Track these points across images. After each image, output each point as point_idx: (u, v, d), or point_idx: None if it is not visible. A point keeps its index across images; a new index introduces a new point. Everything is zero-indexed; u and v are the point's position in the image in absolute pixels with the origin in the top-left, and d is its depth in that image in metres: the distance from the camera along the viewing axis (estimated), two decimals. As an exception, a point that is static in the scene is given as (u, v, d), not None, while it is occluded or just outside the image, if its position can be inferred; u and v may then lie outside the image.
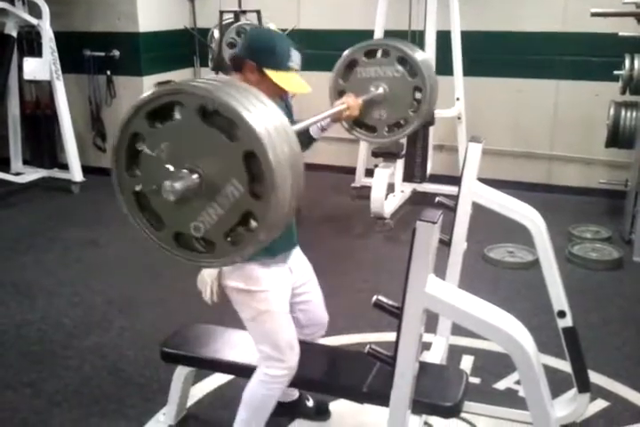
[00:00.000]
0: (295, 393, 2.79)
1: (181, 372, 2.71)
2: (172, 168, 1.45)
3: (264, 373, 2.33)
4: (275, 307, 2.28)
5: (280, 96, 2.31)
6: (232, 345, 2.70)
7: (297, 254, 2.45)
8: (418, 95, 2.62)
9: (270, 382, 2.33)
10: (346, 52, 2.60)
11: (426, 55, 2.67)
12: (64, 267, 4.47)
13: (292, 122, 2.39)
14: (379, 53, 2.62)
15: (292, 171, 1.43)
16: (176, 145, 1.46)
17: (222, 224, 1.45)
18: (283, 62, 2.18)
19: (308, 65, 6.50)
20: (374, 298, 1.84)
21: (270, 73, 2.16)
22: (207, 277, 2.33)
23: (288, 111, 2.42)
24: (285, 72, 2.19)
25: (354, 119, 2.60)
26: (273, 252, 2.25)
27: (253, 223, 1.44)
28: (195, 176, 1.43)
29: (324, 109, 2.42)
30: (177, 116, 1.45)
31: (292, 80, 2.21)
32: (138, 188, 1.53)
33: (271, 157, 1.36)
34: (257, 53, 2.18)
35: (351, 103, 2.46)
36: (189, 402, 2.89)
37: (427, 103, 2.54)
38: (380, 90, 2.56)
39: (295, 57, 2.21)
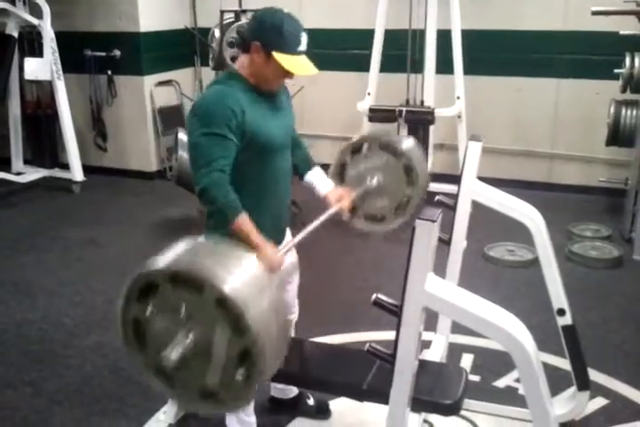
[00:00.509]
0: (294, 390, 2.80)
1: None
2: (166, 338, 1.51)
3: None
4: None
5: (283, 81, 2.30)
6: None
7: (287, 239, 2.47)
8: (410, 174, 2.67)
9: None
10: (335, 160, 2.68)
11: (406, 138, 2.77)
12: (65, 266, 4.47)
13: (290, 111, 2.41)
14: (362, 149, 2.68)
15: (271, 312, 1.48)
16: (165, 315, 1.52)
17: (228, 370, 1.49)
18: (291, 46, 2.14)
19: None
20: (374, 296, 1.84)
21: (277, 56, 2.13)
22: None
23: (287, 100, 2.43)
24: (292, 55, 2.15)
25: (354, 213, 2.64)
26: None
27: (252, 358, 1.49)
28: (186, 339, 1.48)
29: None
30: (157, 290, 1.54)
31: (298, 63, 2.17)
32: (157, 363, 1.57)
33: (265, 357, 1.43)
34: (264, 34, 2.14)
35: (343, 207, 2.46)
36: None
37: (420, 175, 2.61)
38: (374, 180, 2.62)
39: (304, 40, 2.18)
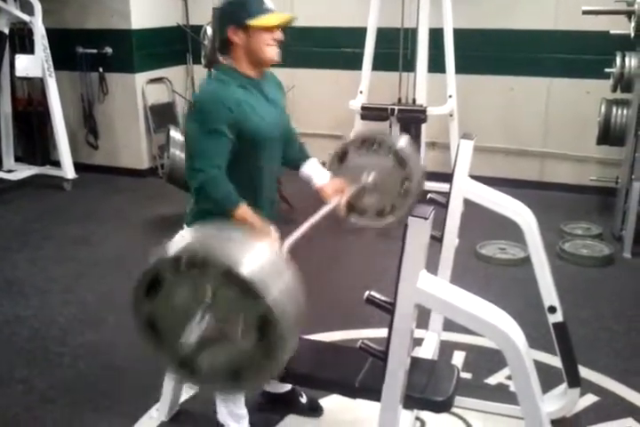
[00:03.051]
0: (288, 384, 2.81)
1: (174, 368, 2.72)
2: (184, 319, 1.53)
3: None
4: None
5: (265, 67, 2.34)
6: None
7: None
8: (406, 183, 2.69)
9: None
10: (340, 143, 2.70)
11: (413, 151, 2.79)
12: (57, 264, 4.46)
13: (282, 104, 2.44)
14: (372, 144, 2.69)
15: (298, 328, 1.54)
16: (175, 306, 1.57)
17: (248, 344, 1.51)
18: (258, 7, 2.21)
19: (301, 62, 6.53)
20: (366, 294, 1.85)
21: (253, 22, 2.19)
22: None
23: (280, 94, 2.46)
24: (265, 15, 2.21)
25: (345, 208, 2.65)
26: None
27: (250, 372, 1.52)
28: (199, 320, 1.51)
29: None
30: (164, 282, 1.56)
31: (275, 16, 2.24)
32: (153, 318, 1.63)
33: (283, 325, 1.46)
34: (231, 15, 2.22)
35: (340, 203, 2.48)
36: (182, 398, 2.90)
37: (414, 192, 2.64)
38: (371, 178, 2.63)
39: (268, 2, 2.24)
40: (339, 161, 2.64)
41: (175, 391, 2.80)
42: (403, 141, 2.68)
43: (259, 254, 1.55)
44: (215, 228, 1.73)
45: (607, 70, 4.90)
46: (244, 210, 2.19)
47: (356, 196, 2.58)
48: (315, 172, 2.55)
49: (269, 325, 1.46)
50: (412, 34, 5.32)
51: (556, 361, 2.77)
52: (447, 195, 2.57)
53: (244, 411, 2.51)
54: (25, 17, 5.58)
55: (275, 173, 2.48)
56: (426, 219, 1.69)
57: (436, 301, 1.77)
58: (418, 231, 1.70)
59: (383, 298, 1.84)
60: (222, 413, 2.49)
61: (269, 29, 2.22)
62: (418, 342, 2.61)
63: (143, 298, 1.59)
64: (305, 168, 2.56)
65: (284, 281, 1.54)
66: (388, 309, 1.80)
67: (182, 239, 1.61)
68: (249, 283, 1.44)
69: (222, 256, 1.47)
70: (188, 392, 2.95)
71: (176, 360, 1.59)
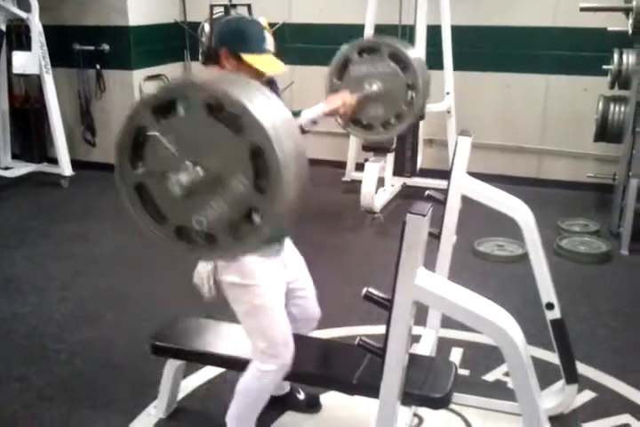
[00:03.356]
0: (286, 387, 2.81)
1: (172, 365, 2.72)
2: (178, 159, 1.44)
3: (257, 368, 2.32)
4: (269, 301, 2.26)
5: (268, 83, 2.31)
6: (222, 338, 2.71)
7: (290, 249, 2.45)
8: (411, 91, 2.62)
9: (264, 378, 2.33)
10: (340, 52, 2.59)
11: (418, 52, 2.68)
12: (54, 261, 4.46)
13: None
14: (372, 51, 2.62)
15: (297, 166, 1.43)
16: (181, 140, 1.46)
17: (226, 218, 1.44)
18: (257, 45, 2.21)
19: (300, 59, 6.52)
20: (364, 290, 1.85)
21: (246, 57, 2.18)
22: (203, 273, 2.33)
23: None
24: (260, 55, 2.21)
25: (349, 116, 2.60)
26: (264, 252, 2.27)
27: (257, 218, 1.43)
28: (199, 169, 1.43)
29: (317, 103, 2.43)
30: (182, 111, 1.44)
31: (267, 62, 2.23)
32: (141, 180, 1.52)
33: (278, 153, 1.36)
34: (230, 40, 2.21)
35: (346, 101, 2.45)
36: (180, 395, 2.90)
37: (420, 98, 2.54)
38: (374, 87, 2.56)
39: (269, 39, 2.24)
40: (338, 74, 2.56)
41: (173, 389, 2.79)
42: (405, 46, 2.62)
43: (289, 132, 1.43)
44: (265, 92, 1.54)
45: (605, 67, 4.91)
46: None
47: (359, 106, 2.48)
48: (311, 109, 2.47)
49: (263, 157, 1.37)
50: (409, 31, 5.31)
51: (553, 358, 2.77)
52: (445, 192, 2.57)
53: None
54: (22, 13, 5.57)
55: None
56: (424, 216, 1.69)
57: (434, 297, 1.78)
58: (416, 228, 1.70)
59: (381, 295, 1.84)
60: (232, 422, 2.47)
61: (258, 72, 2.21)
62: (416, 338, 2.61)
63: (129, 168, 1.50)
64: (302, 115, 2.46)
65: (280, 118, 1.42)
66: (386, 305, 1.80)
67: (231, 82, 1.46)
68: (239, 107, 1.34)
69: (261, 121, 1.35)
70: (185, 390, 2.95)
71: (171, 228, 1.51)
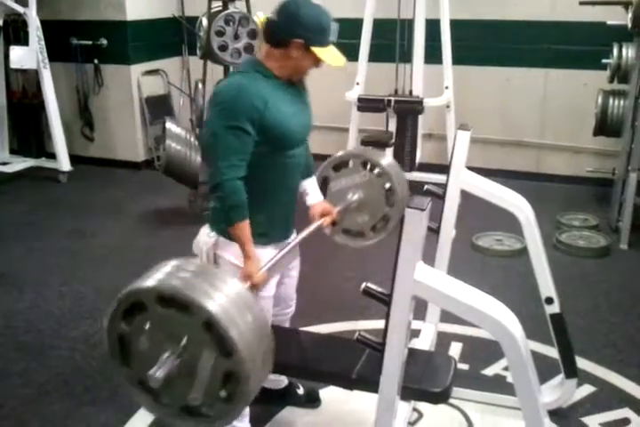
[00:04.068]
0: (285, 380, 2.81)
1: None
2: (155, 354, 1.52)
3: None
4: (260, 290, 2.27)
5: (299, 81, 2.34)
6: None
7: (293, 236, 2.46)
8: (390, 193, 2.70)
9: None
10: (317, 173, 2.70)
11: (388, 157, 2.81)
12: (52, 256, 4.45)
13: (309, 106, 2.37)
14: (345, 164, 2.71)
15: (257, 333, 1.50)
16: (151, 333, 1.54)
17: (212, 389, 1.51)
18: (327, 38, 2.17)
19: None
20: (363, 285, 1.85)
21: (317, 50, 2.15)
22: (203, 245, 2.32)
23: (307, 95, 2.39)
24: (327, 47, 2.18)
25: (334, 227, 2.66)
26: (268, 240, 2.31)
27: (235, 381, 1.50)
28: (172, 358, 1.50)
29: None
30: (144, 308, 1.53)
31: (332, 54, 2.20)
32: (140, 377, 1.58)
33: (231, 332, 1.43)
34: (308, 32, 2.13)
35: (325, 222, 2.46)
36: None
37: (400, 197, 2.64)
38: (355, 197, 2.66)
39: (335, 30, 2.20)
40: (322, 189, 2.64)
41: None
42: (389, 161, 2.70)
43: (242, 307, 1.52)
44: (204, 269, 1.68)
45: (604, 61, 4.90)
46: (242, 229, 2.15)
47: (340, 214, 2.57)
48: (311, 190, 2.52)
49: (236, 380, 1.47)
50: (408, 25, 5.29)
51: (552, 352, 2.78)
52: (444, 186, 2.56)
53: (246, 410, 2.50)
54: (19, 8, 5.55)
55: (294, 188, 2.41)
56: (423, 210, 1.68)
57: (433, 292, 1.77)
58: (415, 223, 1.69)
59: (380, 289, 1.84)
60: None
61: (318, 63, 2.20)
62: (415, 333, 2.61)
63: (119, 319, 1.56)
64: (304, 184, 2.50)
65: (263, 342, 1.53)
66: (385, 300, 1.80)
67: (171, 272, 1.56)
68: (228, 339, 1.43)
69: (206, 304, 1.44)
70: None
71: (135, 381, 1.61)
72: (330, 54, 2.19)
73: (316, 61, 2.20)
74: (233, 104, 2.11)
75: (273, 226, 2.33)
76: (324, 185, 2.68)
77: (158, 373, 1.48)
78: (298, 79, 2.30)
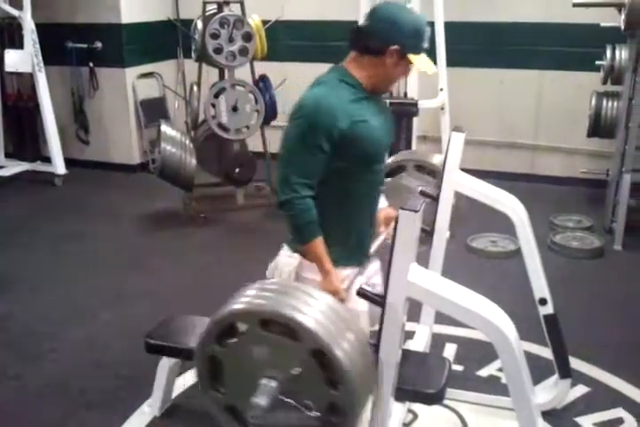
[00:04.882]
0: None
1: (166, 363, 2.72)
2: (252, 378, 1.48)
3: None
4: None
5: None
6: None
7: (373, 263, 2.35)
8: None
9: None
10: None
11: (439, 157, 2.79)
12: (48, 260, 4.45)
13: (390, 116, 2.24)
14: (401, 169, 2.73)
15: (362, 355, 1.47)
16: (248, 357, 1.49)
17: (317, 419, 1.47)
18: (423, 45, 2.08)
19: (293, 56, 6.50)
20: (358, 287, 1.85)
21: (412, 57, 2.06)
22: (285, 267, 2.21)
23: (387, 108, 2.29)
24: (421, 54, 2.09)
25: None
26: (346, 262, 2.19)
27: (340, 410, 1.46)
28: (274, 384, 1.45)
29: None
30: (241, 331, 1.49)
31: (425, 61, 2.12)
32: (230, 403, 1.56)
33: (338, 353, 1.40)
34: (407, 39, 2.04)
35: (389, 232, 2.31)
36: (174, 393, 2.90)
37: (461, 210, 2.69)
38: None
39: (428, 36, 2.12)
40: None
41: (167, 387, 2.80)
42: (427, 156, 2.69)
43: (353, 334, 1.48)
44: (310, 292, 1.56)
45: (598, 63, 4.92)
46: (316, 246, 2.05)
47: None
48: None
49: (340, 412, 1.42)
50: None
51: (546, 353, 2.79)
52: (438, 188, 2.57)
53: None
54: (14, 11, 5.54)
55: (374, 204, 2.28)
56: (416, 211, 1.69)
57: (427, 294, 1.78)
58: (408, 224, 1.70)
59: (374, 291, 1.84)
60: None
61: (409, 71, 2.15)
62: (409, 334, 2.62)
63: (213, 341, 1.51)
64: None
65: (369, 370, 1.50)
66: (379, 302, 1.80)
67: (276, 295, 1.49)
68: (339, 369, 1.38)
69: (317, 332, 1.40)
70: (179, 388, 2.95)
71: (223, 405, 1.56)
72: (422, 61, 2.09)
73: (407, 70, 2.12)
74: (313, 119, 2.00)
75: (349, 249, 2.19)
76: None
77: (262, 400, 1.43)
78: (384, 89, 2.23)
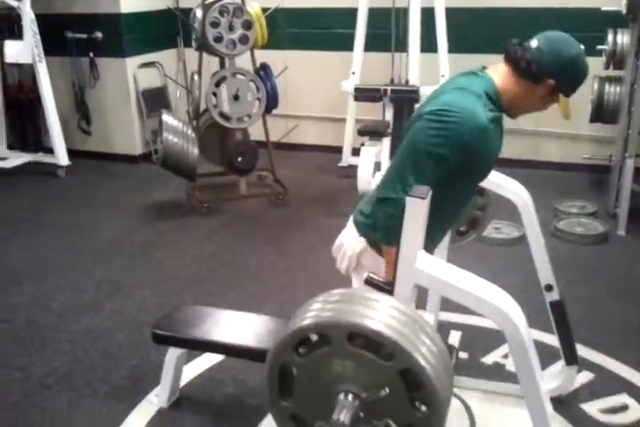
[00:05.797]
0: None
1: (173, 353, 2.72)
2: (328, 392, 1.44)
3: None
4: None
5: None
6: (222, 326, 2.71)
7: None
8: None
9: None
10: None
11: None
12: (51, 251, 4.45)
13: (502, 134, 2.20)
14: None
15: (447, 377, 1.44)
16: (327, 370, 1.46)
17: None
18: (576, 90, 2.07)
19: (293, 44, 6.46)
20: (366, 275, 1.85)
21: (562, 99, 2.06)
22: (348, 250, 2.20)
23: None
24: (569, 97, 2.08)
25: None
26: None
27: None
28: (355, 400, 1.42)
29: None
30: (324, 343, 1.45)
31: (568, 105, 2.09)
32: (295, 411, 1.54)
33: (432, 378, 1.37)
34: (569, 79, 2.04)
35: None
36: (182, 384, 2.91)
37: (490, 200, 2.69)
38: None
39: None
40: None
41: (175, 377, 2.79)
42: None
43: (440, 354, 1.45)
44: (405, 312, 1.51)
45: (599, 47, 4.88)
46: (393, 253, 1.96)
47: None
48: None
49: (414, 375, 1.38)
50: (403, 14, 5.28)
51: (552, 340, 2.79)
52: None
53: None
54: (13, 2, 5.51)
55: (461, 209, 2.30)
56: (423, 199, 1.68)
57: (436, 281, 1.78)
58: (416, 211, 1.70)
59: (382, 279, 1.84)
60: None
61: (547, 107, 2.13)
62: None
63: (290, 350, 1.48)
64: None
65: (428, 338, 1.45)
66: (388, 289, 1.80)
67: (361, 307, 1.46)
68: (428, 392, 1.34)
69: (411, 352, 1.36)
70: (185, 378, 2.95)
71: (288, 414, 1.54)
72: (567, 105, 2.08)
73: (548, 106, 2.11)
74: (459, 135, 1.93)
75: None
76: None
77: (344, 417, 1.39)
78: (515, 114, 2.20)
